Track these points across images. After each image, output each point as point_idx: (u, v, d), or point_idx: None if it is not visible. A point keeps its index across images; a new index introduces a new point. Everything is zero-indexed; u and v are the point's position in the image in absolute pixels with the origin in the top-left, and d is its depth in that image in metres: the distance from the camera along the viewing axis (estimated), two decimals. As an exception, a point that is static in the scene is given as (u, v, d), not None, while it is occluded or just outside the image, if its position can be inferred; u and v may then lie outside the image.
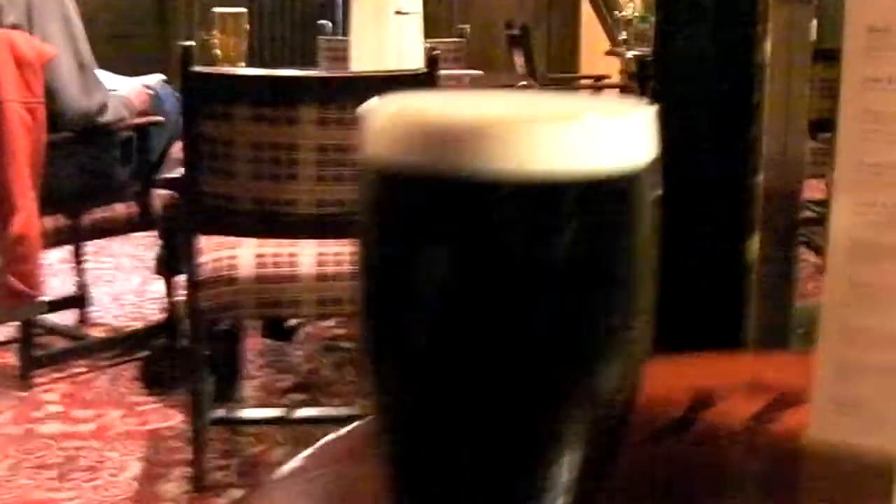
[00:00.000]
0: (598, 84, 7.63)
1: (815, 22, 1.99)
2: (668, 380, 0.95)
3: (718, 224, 1.87)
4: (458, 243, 0.47)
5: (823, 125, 5.05)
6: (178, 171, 3.15)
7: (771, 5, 1.84)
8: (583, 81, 8.97)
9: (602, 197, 0.47)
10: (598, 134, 0.47)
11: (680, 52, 1.82)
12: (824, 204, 5.67)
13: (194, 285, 3.09)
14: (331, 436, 0.86)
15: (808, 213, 5.73)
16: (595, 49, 9.96)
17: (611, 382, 0.50)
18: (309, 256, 3.11)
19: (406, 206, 0.48)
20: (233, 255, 3.12)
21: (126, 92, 4.29)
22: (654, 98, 1.98)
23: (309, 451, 0.82)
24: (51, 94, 3.84)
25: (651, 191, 0.50)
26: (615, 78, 8.50)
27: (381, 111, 0.49)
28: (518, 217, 0.46)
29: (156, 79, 4.52)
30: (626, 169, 0.48)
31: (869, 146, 0.79)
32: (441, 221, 0.47)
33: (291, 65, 7.27)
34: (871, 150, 0.79)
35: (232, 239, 3.19)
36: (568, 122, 0.47)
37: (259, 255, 3.12)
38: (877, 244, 0.79)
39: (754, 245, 1.83)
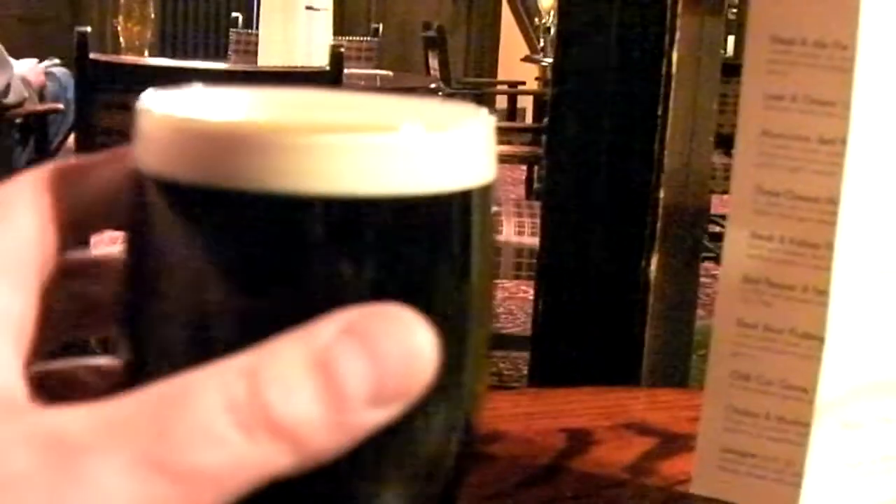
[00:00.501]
0: (513, 91, 7.57)
1: (732, 37, 1.93)
2: (541, 419, 0.87)
3: (618, 239, 1.80)
4: (239, 266, 0.38)
5: (736, 140, 5.04)
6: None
7: (679, 16, 1.77)
8: (498, 87, 8.92)
9: (413, 221, 0.38)
10: (414, 150, 0.38)
11: (581, 60, 1.75)
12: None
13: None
14: None
15: (718, 229, 5.72)
16: (514, 55, 9.92)
17: (431, 438, 0.41)
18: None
19: (175, 217, 0.39)
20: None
21: (24, 71, 4.18)
22: (554, 107, 1.91)
23: None
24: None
25: (484, 214, 0.41)
26: (532, 85, 8.45)
27: (154, 108, 0.40)
28: (311, 241, 0.37)
29: (54, 63, 4.40)
30: (447, 190, 0.39)
31: (767, 172, 0.71)
32: (221, 240, 0.38)
33: (201, 57, 7.16)
34: (769, 177, 0.70)
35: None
36: (377, 133, 0.38)
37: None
38: (770, 282, 0.71)
39: (654, 263, 1.76)
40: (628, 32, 1.74)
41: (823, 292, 0.69)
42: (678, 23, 1.69)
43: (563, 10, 1.81)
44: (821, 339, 0.69)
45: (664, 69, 1.71)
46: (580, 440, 0.84)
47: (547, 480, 0.79)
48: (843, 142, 0.67)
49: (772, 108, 0.70)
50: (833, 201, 0.68)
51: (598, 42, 1.73)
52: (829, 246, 0.68)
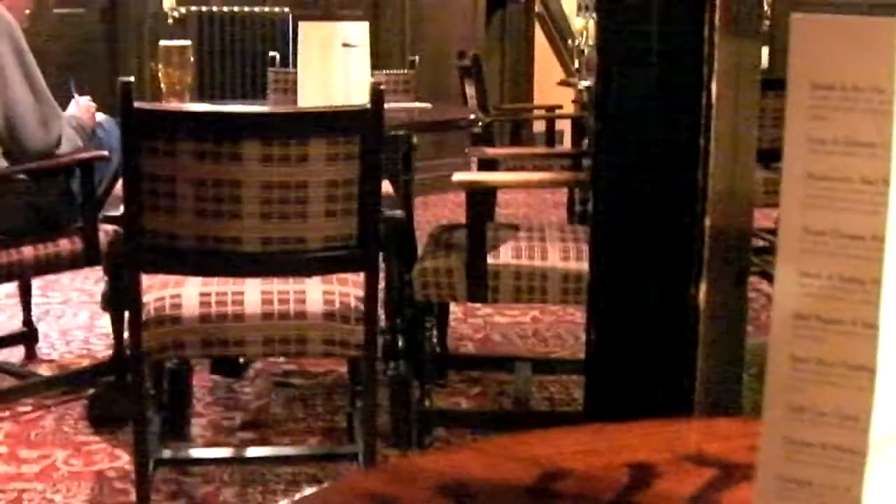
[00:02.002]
0: (550, 115, 7.60)
1: (766, 49, 1.96)
2: (606, 454, 0.90)
3: (665, 267, 1.82)
4: None
5: (776, 154, 5.04)
6: (121, 208, 3.09)
7: (718, 42, 1.80)
8: (536, 112, 8.95)
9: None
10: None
11: (623, 93, 1.78)
12: (777, 233, 5.65)
13: (138, 325, 3.03)
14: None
15: (761, 243, 5.72)
16: (548, 79, 9.95)
17: None
18: (254, 295, 3.06)
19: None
20: (177, 293, 3.06)
21: (75, 111, 4.24)
22: (597, 137, 1.94)
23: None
24: (8, 129, 3.80)
25: None
26: (569, 107, 8.47)
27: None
28: None
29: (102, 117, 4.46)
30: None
31: (812, 213, 0.74)
32: None
33: (241, 98, 7.21)
34: (815, 217, 0.74)
35: (176, 277, 3.13)
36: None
37: (203, 294, 3.06)
38: (820, 318, 0.74)
39: (703, 289, 1.79)
40: (668, 63, 1.77)
41: (872, 325, 0.72)
42: (716, 52, 1.72)
43: (603, 42, 1.85)
44: (872, 370, 0.72)
45: (704, 99, 1.74)
46: (643, 474, 0.87)
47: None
48: (886, 181, 0.70)
49: (815, 151, 0.73)
50: (878, 238, 0.71)
51: (639, 73, 1.76)
52: (876, 281, 0.71)
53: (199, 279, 3.11)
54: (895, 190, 0.70)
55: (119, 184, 3.86)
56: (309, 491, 0.86)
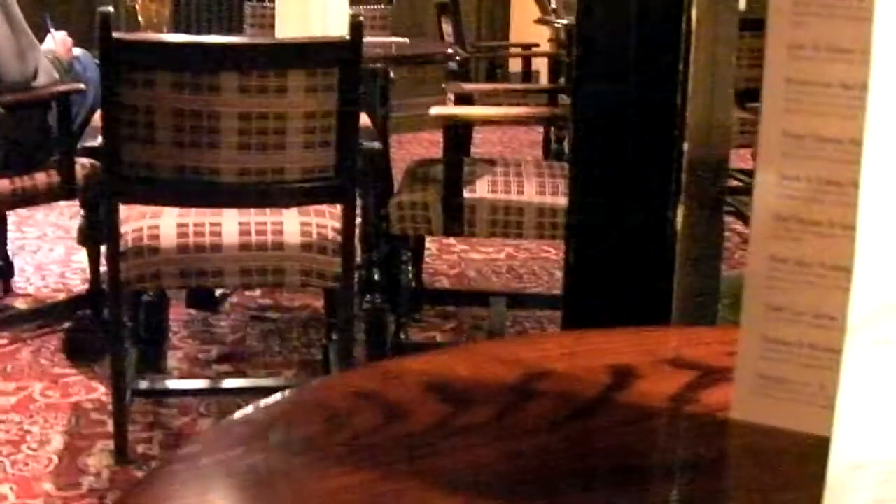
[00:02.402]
0: (527, 53, 7.59)
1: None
2: (588, 357, 0.93)
3: (644, 192, 1.84)
4: None
5: (752, 94, 5.06)
6: (100, 140, 3.09)
7: (697, -28, 1.81)
8: (512, 50, 8.93)
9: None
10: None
11: (602, 21, 1.80)
12: (752, 174, 5.67)
13: (115, 256, 3.04)
14: (226, 420, 0.82)
15: (735, 183, 5.75)
16: (525, 18, 9.92)
17: None
18: (232, 226, 3.07)
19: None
20: (154, 224, 3.07)
21: (53, 45, 4.23)
22: (578, 66, 1.96)
23: (199, 438, 0.78)
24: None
25: None
26: (545, 46, 8.46)
27: None
28: None
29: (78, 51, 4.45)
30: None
31: (792, 117, 0.76)
32: None
33: (217, 31, 7.19)
34: (795, 121, 0.76)
35: (154, 208, 3.14)
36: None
37: (181, 225, 3.07)
38: (799, 219, 0.76)
39: (680, 213, 1.81)
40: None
41: (849, 226, 0.74)
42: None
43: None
44: (848, 271, 0.74)
45: (684, 26, 1.75)
46: (624, 375, 0.90)
47: (597, 411, 0.84)
48: (864, 87, 0.72)
49: (795, 57, 0.75)
50: (856, 142, 0.73)
51: (619, 2, 1.78)
52: (854, 183, 0.73)
53: (176, 210, 3.12)
54: (873, 95, 0.72)
55: (96, 116, 3.87)
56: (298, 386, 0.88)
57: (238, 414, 0.81)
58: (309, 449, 0.75)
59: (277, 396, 0.83)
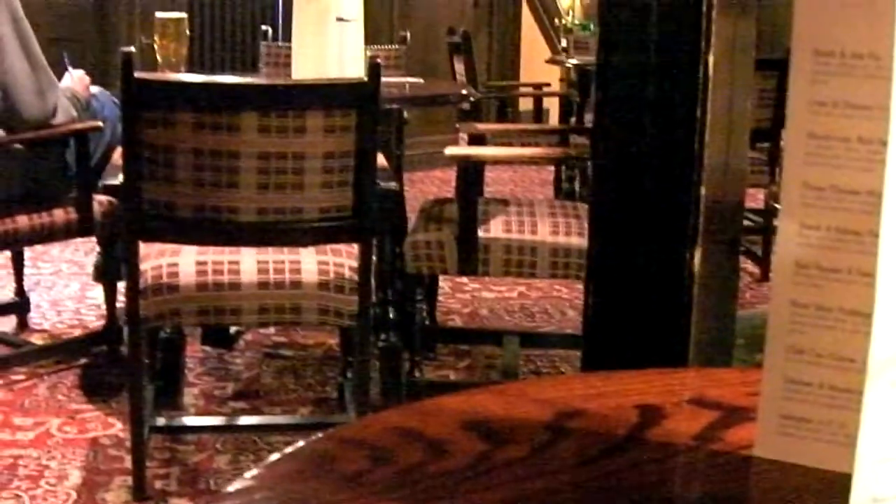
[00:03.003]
0: (538, 93, 7.65)
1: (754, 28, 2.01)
2: (615, 397, 0.96)
3: (662, 235, 1.88)
4: None
5: (763, 135, 5.10)
6: (119, 178, 3.13)
7: (715, 17, 1.85)
8: (523, 89, 8.99)
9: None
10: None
11: (623, 63, 1.84)
12: (763, 213, 5.72)
13: (135, 293, 3.07)
14: (276, 455, 0.86)
15: (746, 223, 5.78)
16: (536, 57, 9.99)
17: None
18: (250, 264, 3.11)
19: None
20: (173, 262, 3.11)
21: (70, 82, 4.27)
22: (597, 109, 2.00)
23: (255, 470, 0.82)
24: (4, 98, 3.83)
25: None
26: (555, 86, 8.52)
27: None
28: None
29: (96, 89, 4.49)
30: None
31: (813, 169, 0.80)
32: None
33: (232, 70, 7.25)
34: (815, 174, 0.80)
35: (173, 246, 3.17)
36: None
37: (200, 263, 3.10)
38: (819, 267, 0.80)
39: (697, 255, 1.84)
40: (666, 38, 1.83)
41: (868, 274, 0.78)
42: (713, 27, 1.77)
43: (603, 17, 1.90)
44: (866, 315, 0.77)
45: (701, 72, 1.79)
46: (651, 414, 0.94)
47: (626, 449, 0.88)
48: (881, 141, 0.76)
49: (816, 112, 0.79)
50: (874, 193, 0.77)
51: (638, 48, 1.82)
52: (872, 233, 0.77)
53: (195, 248, 3.15)
54: (891, 148, 0.76)
55: (114, 154, 3.91)
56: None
57: (286, 450, 0.85)
58: (356, 484, 0.78)
59: (320, 434, 0.87)
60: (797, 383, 0.83)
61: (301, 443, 0.88)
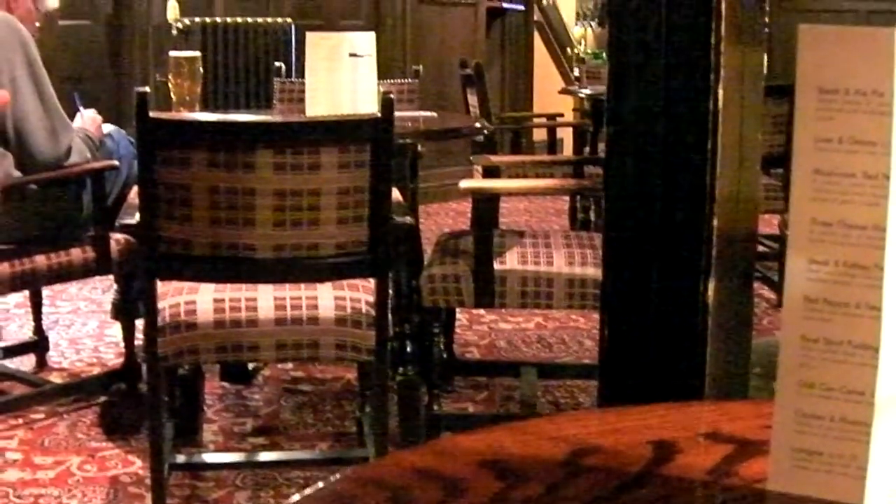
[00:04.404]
0: (552, 123, 7.66)
1: (765, 57, 2.02)
2: (630, 433, 0.97)
3: (676, 266, 1.89)
4: None
5: (776, 161, 5.11)
6: (136, 217, 3.15)
7: (723, 50, 1.86)
8: (537, 120, 9.01)
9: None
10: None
11: (634, 101, 1.85)
12: (778, 239, 5.72)
13: (153, 331, 3.09)
14: (296, 496, 0.87)
15: (762, 248, 5.78)
16: (549, 87, 10.01)
17: None
18: (267, 301, 3.12)
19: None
20: (191, 300, 3.13)
21: (82, 122, 4.30)
22: (609, 142, 2.01)
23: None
24: (18, 140, 3.86)
25: None
26: (569, 116, 8.53)
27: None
28: None
29: (110, 127, 4.52)
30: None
31: (820, 205, 0.81)
32: None
33: (246, 107, 7.28)
34: (822, 210, 0.81)
35: (190, 284, 3.19)
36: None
37: (217, 300, 3.12)
38: (828, 301, 0.81)
39: (711, 286, 1.85)
40: (675, 70, 1.84)
41: (876, 307, 0.79)
42: (722, 59, 1.78)
43: (612, 51, 1.91)
44: (875, 348, 0.79)
45: (711, 104, 1.81)
46: (665, 449, 0.95)
47: (641, 485, 0.89)
48: (886, 176, 0.77)
49: (822, 149, 0.80)
50: (879, 228, 0.78)
51: (648, 81, 1.83)
52: (879, 267, 0.79)
53: (212, 286, 3.17)
54: (893, 183, 0.77)
55: (130, 192, 3.93)
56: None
57: (306, 491, 0.86)
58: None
59: (338, 474, 0.88)
60: (809, 417, 0.84)
61: (321, 483, 0.89)
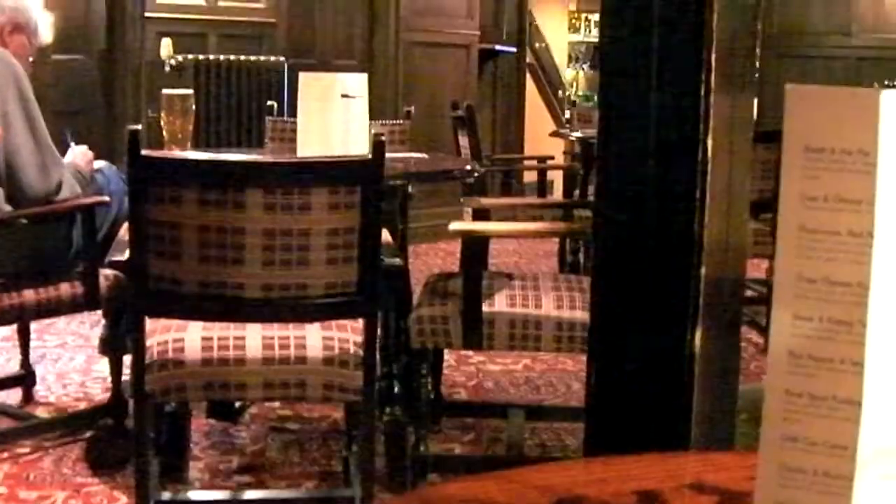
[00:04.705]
0: (542, 165, 7.68)
1: (755, 104, 2.04)
2: (615, 482, 0.98)
3: (663, 314, 1.90)
4: None
5: (765, 205, 5.13)
6: (126, 253, 3.15)
7: (713, 99, 1.88)
8: (528, 163, 9.03)
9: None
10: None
11: (623, 148, 1.86)
12: (766, 284, 5.74)
13: (140, 367, 3.09)
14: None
15: (750, 293, 5.79)
16: (538, 130, 10.05)
17: None
18: (255, 339, 3.12)
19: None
20: (179, 337, 3.13)
21: (72, 158, 4.31)
22: (598, 187, 2.03)
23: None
24: (9, 174, 3.87)
25: None
26: (559, 158, 8.56)
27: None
28: None
29: (102, 163, 4.53)
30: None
31: (805, 262, 0.82)
32: None
33: (238, 145, 7.30)
34: (807, 266, 0.82)
35: (178, 321, 3.19)
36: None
37: (205, 338, 3.12)
38: (812, 356, 0.82)
39: (698, 335, 1.86)
40: (666, 119, 1.85)
41: (859, 363, 0.80)
42: (711, 108, 1.80)
43: (603, 97, 1.93)
44: (858, 404, 0.80)
45: (700, 152, 1.82)
46: (650, 500, 0.95)
47: (625, 535, 0.90)
48: (870, 234, 0.79)
49: (808, 207, 0.82)
50: (863, 285, 0.79)
51: (638, 128, 1.84)
52: (862, 323, 0.80)
53: (200, 323, 3.17)
54: (878, 242, 0.78)
55: (121, 229, 3.94)
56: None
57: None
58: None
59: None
60: (792, 470, 0.85)
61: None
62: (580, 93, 11.90)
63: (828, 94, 0.81)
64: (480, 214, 4.64)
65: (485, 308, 3.60)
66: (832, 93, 0.81)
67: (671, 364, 1.88)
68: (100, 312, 4.35)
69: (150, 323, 3.15)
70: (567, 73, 12.46)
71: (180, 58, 7.65)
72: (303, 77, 4.19)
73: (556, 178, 8.96)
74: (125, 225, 3.28)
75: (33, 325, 4.96)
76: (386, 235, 3.63)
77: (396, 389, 4.14)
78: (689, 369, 1.86)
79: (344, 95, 4.11)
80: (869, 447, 0.79)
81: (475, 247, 3.78)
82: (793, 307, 0.83)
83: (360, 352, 3.12)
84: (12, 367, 5.02)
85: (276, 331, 3.15)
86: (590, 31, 13.37)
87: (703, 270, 1.82)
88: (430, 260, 8.41)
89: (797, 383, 0.83)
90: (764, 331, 5.82)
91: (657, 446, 1.77)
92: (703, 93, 1.83)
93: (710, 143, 1.81)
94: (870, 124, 0.78)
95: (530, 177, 8.19)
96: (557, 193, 8.98)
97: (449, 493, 0.95)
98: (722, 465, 1.06)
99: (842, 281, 0.81)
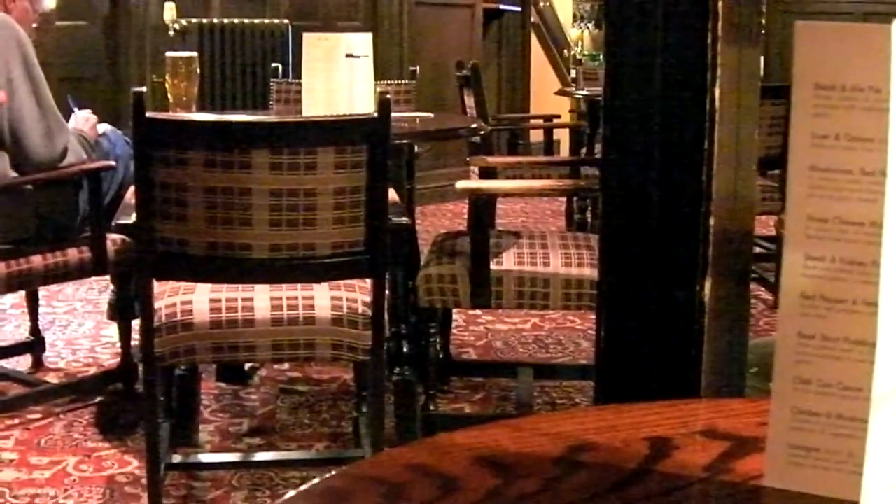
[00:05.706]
0: (549, 124, 7.65)
1: (761, 59, 2.02)
2: (626, 430, 0.97)
3: (672, 266, 1.89)
4: None
5: (773, 162, 5.11)
6: (132, 217, 3.14)
7: (720, 49, 1.87)
8: (534, 121, 9.00)
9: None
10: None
11: (630, 102, 1.85)
12: (775, 240, 5.73)
13: (149, 331, 3.08)
14: (291, 493, 0.86)
15: (759, 250, 5.78)
16: (545, 89, 10.02)
17: None
18: (263, 301, 3.12)
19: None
20: (187, 300, 3.12)
21: (80, 125, 4.30)
22: (605, 143, 2.02)
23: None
24: (14, 140, 3.86)
25: None
26: (566, 117, 8.53)
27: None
28: None
29: (107, 127, 4.52)
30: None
31: (816, 201, 0.81)
32: None
33: (243, 108, 7.28)
34: (819, 206, 0.81)
35: (186, 284, 3.19)
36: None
37: (214, 301, 3.12)
38: (824, 297, 0.81)
39: (708, 287, 1.85)
40: (672, 71, 1.84)
41: (872, 303, 0.79)
42: (718, 59, 1.79)
43: (609, 52, 1.91)
44: (872, 345, 0.78)
45: (708, 104, 1.81)
46: (662, 446, 0.94)
47: (637, 482, 0.89)
48: (883, 172, 0.77)
49: (818, 146, 0.80)
50: (876, 224, 0.78)
51: (644, 82, 1.83)
52: (875, 263, 0.79)
53: (208, 286, 3.17)
54: (891, 179, 0.77)
55: (127, 192, 3.93)
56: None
57: (301, 487, 0.86)
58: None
59: (334, 472, 0.88)
60: (805, 413, 0.84)
61: (315, 479, 0.89)
62: (585, 52, 11.85)
63: (838, 31, 0.80)
64: (487, 173, 4.62)
65: (493, 266, 3.59)
66: (843, 29, 0.79)
67: (681, 317, 1.87)
68: (108, 278, 4.35)
69: (157, 286, 3.15)
70: (572, 33, 12.41)
71: (184, 21, 7.61)
72: (307, 38, 4.17)
73: (563, 136, 8.94)
74: (131, 188, 3.26)
75: (42, 292, 4.96)
76: (393, 195, 3.63)
77: (405, 349, 4.14)
78: (699, 321, 1.85)
79: (349, 55, 4.09)
80: (883, 388, 0.78)
81: (482, 206, 3.77)
82: (804, 248, 0.82)
83: (369, 311, 3.12)
84: (22, 333, 5.02)
85: (284, 292, 3.15)
86: (595, -10, 13.32)
87: (711, 222, 1.81)
88: (437, 221, 8.39)
89: (809, 325, 0.82)
90: (772, 288, 5.82)
91: (667, 399, 1.76)
92: (709, 41, 1.82)
93: (717, 92, 1.80)
94: (881, 60, 0.77)
95: (536, 136, 8.15)
96: (564, 152, 8.97)
97: (458, 442, 0.94)
98: (733, 412, 1.05)
99: (854, 220, 0.80)
